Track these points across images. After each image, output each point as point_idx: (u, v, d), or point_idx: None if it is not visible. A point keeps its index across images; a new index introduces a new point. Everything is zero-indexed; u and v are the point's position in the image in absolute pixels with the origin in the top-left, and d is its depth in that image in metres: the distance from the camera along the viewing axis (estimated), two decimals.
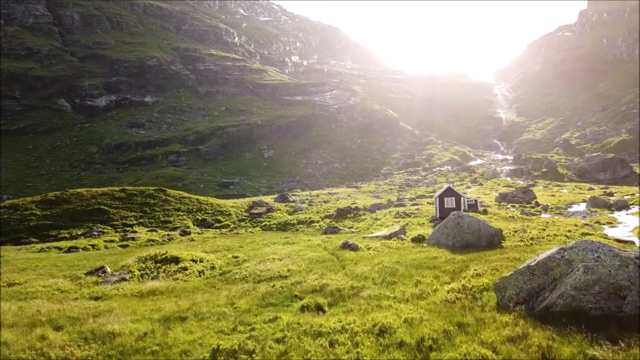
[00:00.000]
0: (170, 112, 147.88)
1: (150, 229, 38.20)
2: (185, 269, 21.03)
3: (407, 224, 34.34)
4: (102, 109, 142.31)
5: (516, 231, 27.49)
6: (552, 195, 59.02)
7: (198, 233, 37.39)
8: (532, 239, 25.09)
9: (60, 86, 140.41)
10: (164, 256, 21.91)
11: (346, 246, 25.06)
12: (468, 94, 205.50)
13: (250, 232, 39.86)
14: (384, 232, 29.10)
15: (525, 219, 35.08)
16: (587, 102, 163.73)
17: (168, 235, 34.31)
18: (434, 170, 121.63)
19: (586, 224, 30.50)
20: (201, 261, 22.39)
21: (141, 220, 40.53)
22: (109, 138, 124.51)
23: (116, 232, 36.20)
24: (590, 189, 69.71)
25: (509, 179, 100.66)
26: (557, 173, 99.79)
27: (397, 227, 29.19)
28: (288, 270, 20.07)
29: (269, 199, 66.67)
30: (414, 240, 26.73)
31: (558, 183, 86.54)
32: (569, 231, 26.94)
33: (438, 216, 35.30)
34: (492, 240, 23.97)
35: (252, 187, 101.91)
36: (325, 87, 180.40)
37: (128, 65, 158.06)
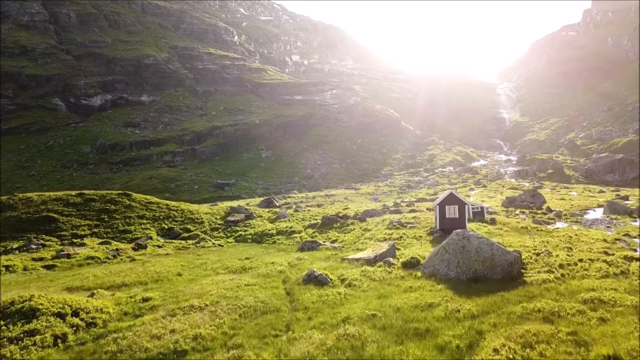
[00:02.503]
0: (167, 112, 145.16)
1: (104, 240, 33.45)
2: (32, 333, 13.20)
3: (400, 237, 29.83)
4: (97, 108, 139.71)
5: (538, 254, 21.14)
6: (562, 199, 55.63)
7: (158, 246, 32.70)
8: (561, 266, 19.01)
9: (55, 85, 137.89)
10: (20, 306, 14.45)
11: (311, 279, 18.66)
12: (471, 94, 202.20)
13: (219, 244, 34.92)
14: (369, 252, 23.14)
15: (540, 229, 31.07)
16: (592, 101, 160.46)
17: (116, 250, 29.06)
18: (436, 171, 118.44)
19: (617, 239, 26.12)
20: (76, 314, 14.75)
21: (95, 230, 35.78)
22: (103, 138, 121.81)
23: (61, 244, 31.26)
24: (601, 191, 66.39)
25: (513, 180, 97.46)
26: (564, 174, 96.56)
27: (385, 247, 23.21)
28: (194, 336, 12.80)
29: (253, 203, 63.29)
30: (405, 265, 20.75)
31: (565, 185, 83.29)
32: (605, 253, 21.33)
33: (438, 228, 30.34)
34: (510, 271, 17.88)
35: (248, 188, 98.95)
36: (326, 87, 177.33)
37: (125, 64, 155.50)
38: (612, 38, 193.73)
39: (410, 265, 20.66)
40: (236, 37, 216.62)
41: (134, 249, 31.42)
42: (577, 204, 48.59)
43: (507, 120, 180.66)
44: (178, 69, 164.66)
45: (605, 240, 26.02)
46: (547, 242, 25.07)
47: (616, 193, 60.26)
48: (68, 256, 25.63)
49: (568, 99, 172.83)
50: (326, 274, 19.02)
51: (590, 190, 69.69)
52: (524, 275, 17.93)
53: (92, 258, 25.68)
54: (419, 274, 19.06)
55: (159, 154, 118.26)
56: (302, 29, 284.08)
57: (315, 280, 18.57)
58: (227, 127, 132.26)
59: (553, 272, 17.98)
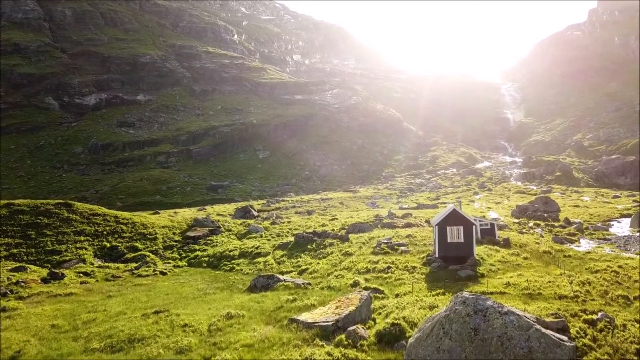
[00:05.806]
0: (163, 111, 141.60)
1: (19, 265, 26.83)
2: None
3: (388, 267, 23.70)
4: (91, 107, 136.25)
5: (593, 323, 13.57)
6: (576, 206, 51.48)
7: (84, 273, 26.46)
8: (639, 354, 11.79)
9: (48, 84, 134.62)
10: None
11: None
12: (474, 94, 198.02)
13: (161, 271, 28.50)
14: (330, 312, 15.34)
15: (568, 254, 25.74)
16: (599, 102, 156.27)
17: (16, 283, 22.11)
18: (439, 172, 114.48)
19: None
20: None
21: (15, 251, 29.44)
22: (96, 138, 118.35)
23: None
24: (615, 196, 62.31)
25: (519, 183, 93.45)
26: (572, 177, 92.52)
27: (355, 302, 15.58)
28: None
29: (227, 211, 59.10)
30: (380, 340, 13.39)
31: (576, 189, 79.17)
32: None
33: (437, 255, 24.34)
34: None
35: (243, 190, 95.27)
36: (326, 86, 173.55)
37: (121, 63, 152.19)
38: (619, 38, 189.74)
39: (390, 339, 13.13)
40: (236, 36, 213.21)
41: (44, 280, 24.05)
42: (596, 212, 44.28)
43: (512, 121, 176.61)
44: (175, 68, 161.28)
45: None
46: (589, 284, 19.17)
47: (633, 199, 56.21)
48: None
49: (574, 100, 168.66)
50: None
51: (603, 195, 65.70)
52: None
53: None
54: None
55: (152, 154, 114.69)
56: (303, 28, 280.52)
57: None
58: (223, 127, 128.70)
59: None
